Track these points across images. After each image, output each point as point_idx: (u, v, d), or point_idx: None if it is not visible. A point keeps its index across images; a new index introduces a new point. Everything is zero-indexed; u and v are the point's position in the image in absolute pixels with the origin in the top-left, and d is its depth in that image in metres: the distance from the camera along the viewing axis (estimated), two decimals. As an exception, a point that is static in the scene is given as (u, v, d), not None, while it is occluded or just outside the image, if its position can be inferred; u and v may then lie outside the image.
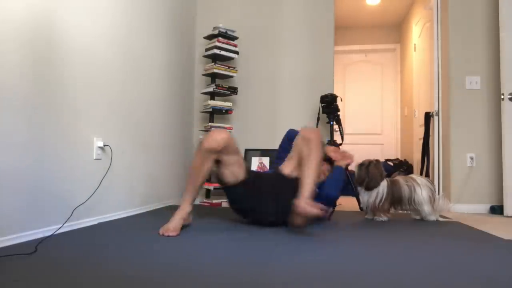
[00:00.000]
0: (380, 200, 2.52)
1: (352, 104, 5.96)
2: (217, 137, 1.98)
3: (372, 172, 2.53)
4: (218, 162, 2.08)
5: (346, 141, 5.83)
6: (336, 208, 3.39)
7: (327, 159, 2.52)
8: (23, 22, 1.67)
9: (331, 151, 2.52)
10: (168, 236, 1.83)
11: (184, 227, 2.02)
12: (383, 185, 2.53)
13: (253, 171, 2.32)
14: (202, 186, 2.08)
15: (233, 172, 2.11)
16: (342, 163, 2.47)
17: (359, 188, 2.62)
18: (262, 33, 3.80)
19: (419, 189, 2.51)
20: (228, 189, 2.18)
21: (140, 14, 2.71)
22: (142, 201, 2.75)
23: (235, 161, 2.11)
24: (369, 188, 2.54)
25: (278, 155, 2.53)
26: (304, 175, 2.02)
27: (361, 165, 2.60)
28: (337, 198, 2.43)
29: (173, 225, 1.90)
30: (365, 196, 2.58)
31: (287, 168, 2.28)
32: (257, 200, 2.15)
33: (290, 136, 2.47)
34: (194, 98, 3.82)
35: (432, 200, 2.52)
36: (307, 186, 1.98)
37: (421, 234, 2.02)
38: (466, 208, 3.34)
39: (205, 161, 1.99)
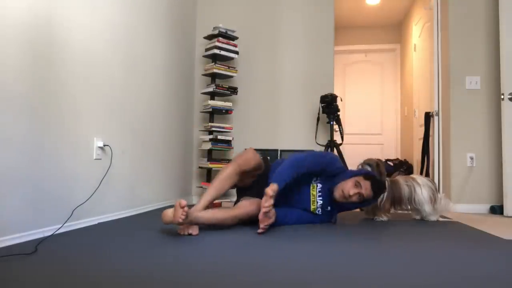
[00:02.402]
0: (381, 200, 2.51)
1: (352, 104, 5.95)
2: (253, 159, 2.17)
3: (382, 172, 2.48)
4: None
5: (346, 141, 5.83)
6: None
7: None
8: (23, 22, 1.67)
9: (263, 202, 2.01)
10: (190, 234, 1.87)
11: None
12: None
13: (265, 170, 2.34)
14: (221, 195, 2.15)
15: (243, 181, 2.25)
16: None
17: None
18: (262, 33, 3.80)
19: (419, 188, 2.50)
20: (238, 189, 2.39)
21: (140, 14, 2.71)
22: (142, 201, 2.75)
23: (253, 175, 2.27)
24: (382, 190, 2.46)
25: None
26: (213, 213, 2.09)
27: (369, 165, 2.53)
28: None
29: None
30: None
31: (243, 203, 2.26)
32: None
33: (279, 165, 2.36)
34: (194, 98, 3.82)
35: (433, 200, 2.52)
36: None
37: (421, 234, 2.02)
38: (466, 208, 3.34)
39: (234, 174, 2.10)
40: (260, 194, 2.09)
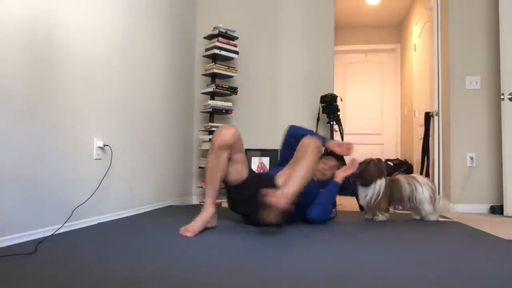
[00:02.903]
0: (376, 198, 2.51)
1: (352, 104, 5.96)
2: (228, 132, 1.98)
3: (369, 168, 2.53)
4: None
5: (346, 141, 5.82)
6: (336, 208, 3.38)
7: (334, 155, 2.56)
8: (22, 22, 1.67)
9: (334, 145, 2.46)
10: (186, 236, 1.82)
11: (207, 229, 1.98)
12: (380, 183, 2.52)
13: (253, 172, 2.31)
14: (221, 185, 2.04)
15: (238, 171, 2.12)
16: (341, 175, 2.40)
17: (358, 187, 2.62)
18: (262, 33, 3.80)
19: (420, 188, 2.51)
20: (229, 189, 2.19)
21: (140, 14, 2.71)
22: (142, 201, 2.75)
23: (242, 159, 2.13)
24: (364, 184, 2.54)
25: (282, 155, 2.51)
26: (289, 177, 1.98)
27: (361, 163, 2.60)
28: (315, 221, 2.29)
29: (193, 227, 1.87)
30: (362, 194, 2.58)
31: (281, 177, 2.22)
32: (250, 200, 2.09)
33: (292, 132, 2.47)
34: (194, 98, 3.82)
35: (433, 200, 2.52)
36: (288, 185, 1.90)
37: (421, 234, 2.02)
38: (466, 208, 3.34)
39: (219, 158, 1.97)
40: (256, 193, 1.96)
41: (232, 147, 2.01)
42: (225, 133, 1.97)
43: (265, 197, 1.76)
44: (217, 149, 1.96)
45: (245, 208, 2.18)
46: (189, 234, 1.83)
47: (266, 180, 2.23)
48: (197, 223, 1.91)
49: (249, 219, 2.22)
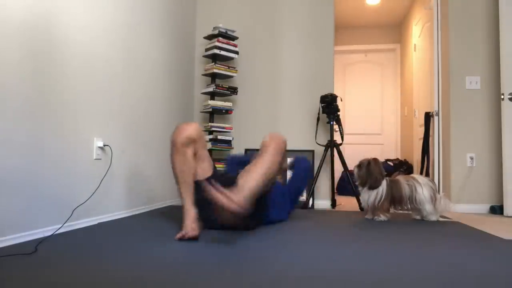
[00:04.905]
0: (380, 200, 2.51)
1: (352, 104, 5.96)
2: (190, 127, 1.88)
3: (373, 171, 2.52)
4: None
5: (346, 141, 5.83)
6: (336, 208, 3.39)
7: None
8: (23, 22, 1.67)
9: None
10: (189, 238, 1.74)
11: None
12: (383, 184, 2.53)
13: (217, 171, 2.14)
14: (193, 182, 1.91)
15: (203, 169, 2.00)
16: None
17: (359, 188, 2.62)
18: (262, 33, 3.80)
19: (420, 188, 2.50)
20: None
21: (140, 14, 2.71)
22: (142, 201, 2.75)
23: (207, 155, 2.03)
24: (373, 187, 2.53)
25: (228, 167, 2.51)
26: (245, 179, 1.70)
27: (360, 165, 2.59)
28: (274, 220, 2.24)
29: (191, 227, 1.79)
30: (365, 196, 2.58)
31: (242, 177, 1.91)
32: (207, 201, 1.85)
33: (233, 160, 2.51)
34: (194, 98, 3.82)
35: (433, 200, 2.52)
36: (241, 189, 1.63)
37: (421, 234, 2.02)
38: (466, 208, 3.34)
39: (185, 156, 1.85)
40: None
41: (196, 142, 1.90)
42: (186, 128, 1.87)
43: (215, 196, 1.50)
44: (181, 147, 1.84)
45: (200, 211, 1.93)
46: (193, 233, 1.74)
47: (228, 179, 1.99)
48: (191, 224, 1.81)
49: (208, 222, 2.01)
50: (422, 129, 3.90)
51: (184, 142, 1.85)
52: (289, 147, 3.63)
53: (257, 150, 3.50)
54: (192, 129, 1.87)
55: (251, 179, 1.69)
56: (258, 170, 1.74)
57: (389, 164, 4.95)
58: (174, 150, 1.87)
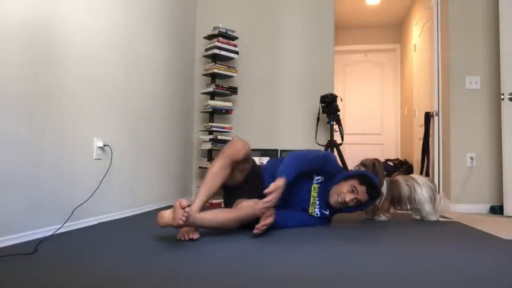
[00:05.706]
0: (380, 200, 2.51)
1: (352, 104, 5.95)
2: (242, 148, 2.01)
3: (378, 172, 2.49)
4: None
5: (346, 141, 5.82)
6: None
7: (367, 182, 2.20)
8: (23, 22, 1.67)
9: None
10: (191, 239, 1.75)
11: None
12: (385, 184, 2.52)
13: (250, 178, 2.20)
14: (216, 192, 2.01)
15: (234, 177, 2.10)
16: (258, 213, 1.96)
17: None
18: (262, 33, 3.80)
19: (419, 188, 2.50)
20: (226, 188, 2.20)
21: (140, 14, 2.71)
22: (142, 201, 2.75)
23: (244, 168, 2.14)
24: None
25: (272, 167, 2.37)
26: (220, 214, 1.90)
27: (365, 166, 2.54)
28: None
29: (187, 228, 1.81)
30: None
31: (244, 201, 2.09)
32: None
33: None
34: (194, 98, 3.82)
35: (433, 200, 2.51)
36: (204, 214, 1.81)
37: (421, 234, 2.02)
38: (466, 208, 3.34)
39: (225, 167, 1.97)
40: (251, 195, 2.04)
41: (242, 161, 2.04)
42: (239, 148, 2.00)
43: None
44: (227, 159, 1.97)
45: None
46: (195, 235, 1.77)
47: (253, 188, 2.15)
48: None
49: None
50: (422, 129, 3.90)
51: (231, 158, 1.98)
52: (289, 147, 3.63)
53: (258, 150, 3.51)
54: (244, 151, 2.01)
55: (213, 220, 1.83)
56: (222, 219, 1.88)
57: (389, 164, 4.95)
58: (220, 156, 1.99)
